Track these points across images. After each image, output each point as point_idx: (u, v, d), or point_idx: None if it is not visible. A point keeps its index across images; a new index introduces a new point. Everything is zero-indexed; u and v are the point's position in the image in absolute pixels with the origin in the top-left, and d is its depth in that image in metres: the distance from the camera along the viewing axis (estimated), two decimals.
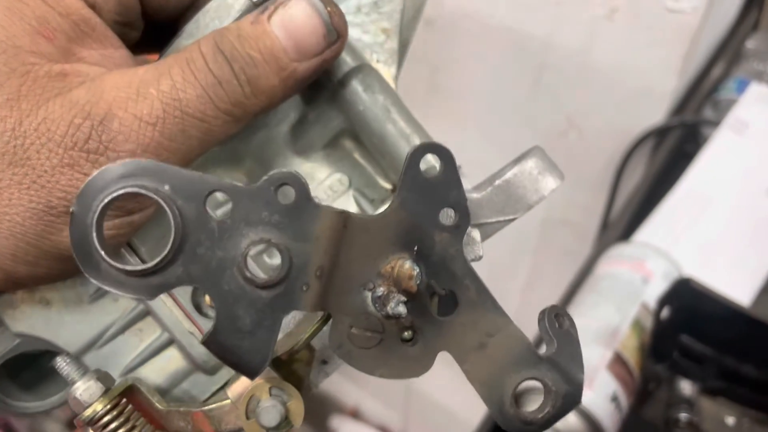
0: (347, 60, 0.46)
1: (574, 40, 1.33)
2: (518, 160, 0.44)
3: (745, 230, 1.11)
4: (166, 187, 0.32)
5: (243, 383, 0.41)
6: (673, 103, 1.31)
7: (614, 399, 0.92)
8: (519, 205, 0.43)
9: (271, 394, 0.40)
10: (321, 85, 0.47)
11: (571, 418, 0.90)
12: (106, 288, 0.31)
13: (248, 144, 0.48)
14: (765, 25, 1.40)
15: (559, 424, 0.90)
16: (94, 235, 0.31)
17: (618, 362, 0.94)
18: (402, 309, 0.35)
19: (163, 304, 0.47)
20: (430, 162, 0.38)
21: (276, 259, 0.37)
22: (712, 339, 0.95)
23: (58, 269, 0.40)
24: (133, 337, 0.48)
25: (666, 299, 0.95)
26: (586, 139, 1.39)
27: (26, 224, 0.38)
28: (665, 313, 0.97)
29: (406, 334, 0.36)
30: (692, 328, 0.97)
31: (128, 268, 0.31)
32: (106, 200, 0.31)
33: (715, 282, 0.98)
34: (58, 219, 0.38)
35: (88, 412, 0.41)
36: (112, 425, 0.41)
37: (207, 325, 0.47)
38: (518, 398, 0.37)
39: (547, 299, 1.14)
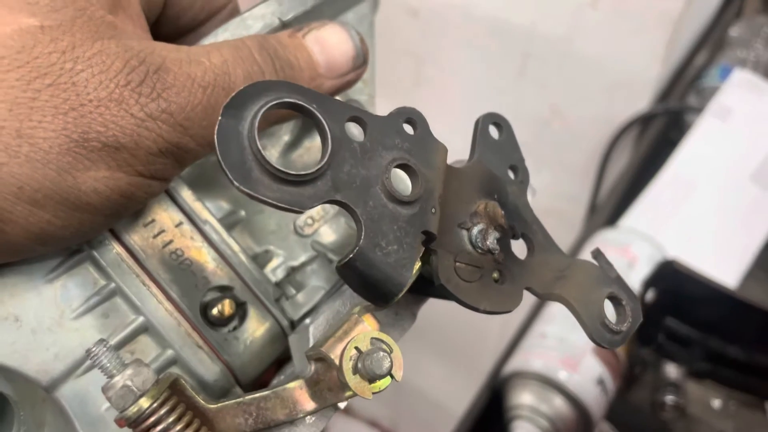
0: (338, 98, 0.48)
1: (558, 28, 1.31)
2: None
3: (730, 215, 1.10)
4: (314, 106, 0.32)
5: (340, 340, 0.37)
6: (657, 90, 1.29)
7: (600, 382, 0.91)
8: None
9: (372, 345, 0.36)
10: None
11: (557, 402, 0.89)
12: (257, 197, 0.30)
13: None
14: (748, 13, 1.39)
15: (544, 408, 0.90)
16: (256, 138, 0.30)
17: None
18: (497, 244, 0.37)
19: (168, 315, 0.41)
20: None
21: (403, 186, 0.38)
22: (698, 321, 0.95)
23: (61, 220, 0.36)
24: None
25: (651, 281, 0.94)
26: (570, 128, 1.38)
27: (52, 152, 0.34)
28: (650, 295, 0.96)
29: (496, 274, 0.38)
30: (677, 311, 0.96)
31: (290, 171, 0.30)
32: (267, 106, 0.31)
33: (701, 266, 0.97)
34: (89, 154, 0.35)
35: (134, 409, 0.34)
36: (161, 426, 0.33)
37: (217, 339, 0.43)
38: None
39: (534, 298, 1.13)
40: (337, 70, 0.43)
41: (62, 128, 0.34)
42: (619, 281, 0.41)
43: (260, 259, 0.49)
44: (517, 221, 0.41)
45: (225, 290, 0.44)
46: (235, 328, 0.44)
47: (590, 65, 1.31)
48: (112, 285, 0.41)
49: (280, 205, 0.31)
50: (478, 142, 0.41)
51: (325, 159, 0.32)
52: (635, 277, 0.98)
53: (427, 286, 0.38)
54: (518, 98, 1.42)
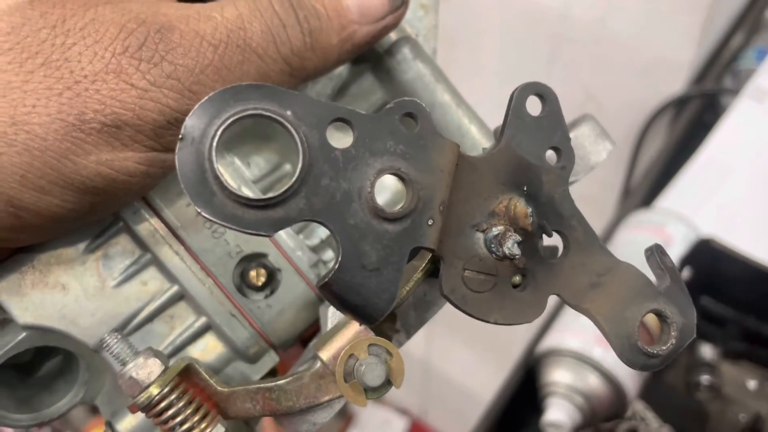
0: (391, 33, 0.43)
1: (591, 10, 1.28)
2: (572, 126, 0.42)
3: (766, 197, 1.10)
4: (289, 113, 0.28)
5: (337, 344, 0.36)
6: (692, 73, 1.25)
7: None
8: (580, 167, 0.42)
9: (369, 353, 0.35)
10: (363, 58, 0.44)
11: (592, 379, 0.90)
12: (220, 223, 0.27)
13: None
14: None
15: (579, 385, 0.90)
16: (214, 163, 0.27)
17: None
18: (517, 249, 0.33)
19: (200, 284, 0.41)
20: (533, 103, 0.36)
21: (389, 195, 0.35)
22: (734, 300, 0.93)
23: (72, 203, 0.34)
24: (163, 325, 0.42)
25: (687, 260, 0.93)
26: (604, 111, 1.37)
27: (49, 138, 0.31)
28: (686, 274, 0.95)
29: (517, 278, 0.34)
30: (713, 290, 0.94)
31: (251, 196, 0.27)
32: (227, 123, 0.27)
33: (737, 246, 0.96)
34: (88, 137, 0.32)
35: (144, 397, 0.35)
36: (171, 411, 0.35)
37: (250, 307, 0.43)
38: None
39: None
40: (372, 14, 0.38)
41: (57, 111, 0.31)
42: (671, 291, 0.36)
43: None
44: (551, 216, 0.35)
45: (259, 257, 0.43)
46: (270, 294, 0.44)
47: (624, 48, 1.29)
48: (149, 255, 0.41)
49: (245, 231, 0.28)
50: (509, 121, 0.34)
51: (295, 178, 0.28)
52: (671, 257, 0.97)
53: None
54: (551, 82, 1.41)
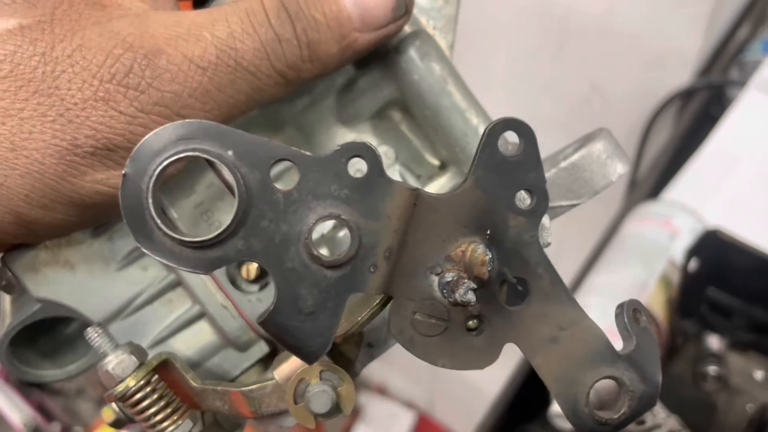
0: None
1: (597, 3, 1.28)
2: (584, 143, 0.41)
3: None
4: (230, 153, 0.28)
5: (291, 365, 0.38)
6: (698, 64, 1.24)
7: None
8: (584, 190, 0.40)
9: (321, 378, 0.36)
10: (373, 52, 0.43)
11: None
12: (158, 259, 0.28)
13: (291, 109, 0.44)
14: None
15: None
16: (150, 201, 0.28)
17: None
18: (471, 296, 0.31)
19: (195, 275, 0.43)
20: (509, 139, 0.34)
21: (342, 237, 0.35)
22: (741, 290, 0.93)
23: (76, 217, 0.36)
24: (162, 308, 0.44)
25: (694, 251, 0.93)
26: (610, 104, 1.36)
27: (46, 162, 0.33)
28: (693, 265, 0.95)
29: (472, 322, 0.33)
30: (720, 281, 0.94)
31: (186, 238, 0.28)
32: (164, 163, 0.28)
33: (744, 238, 0.96)
34: (82, 160, 0.33)
35: (120, 388, 0.38)
36: (145, 402, 0.38)
37: (241, 299, 0.44)
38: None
39: (573, 270, 1.13)
40: (374, 23, 0.37)
41: (51, 137, 0.33)
42: (637, 355, 0.34)
43: None
44: (516, 263, 0.33)
45: None
46: (264, 287, 0.45)
47: (630, 40, 1.28)
48: None
49: (181, 269, 0.28)
50: (478, 159, 0.33)
51: (229, 221, 0.28)
52: (677, 249, 0.97)
53: None
54: (557, 75, 1.42)
